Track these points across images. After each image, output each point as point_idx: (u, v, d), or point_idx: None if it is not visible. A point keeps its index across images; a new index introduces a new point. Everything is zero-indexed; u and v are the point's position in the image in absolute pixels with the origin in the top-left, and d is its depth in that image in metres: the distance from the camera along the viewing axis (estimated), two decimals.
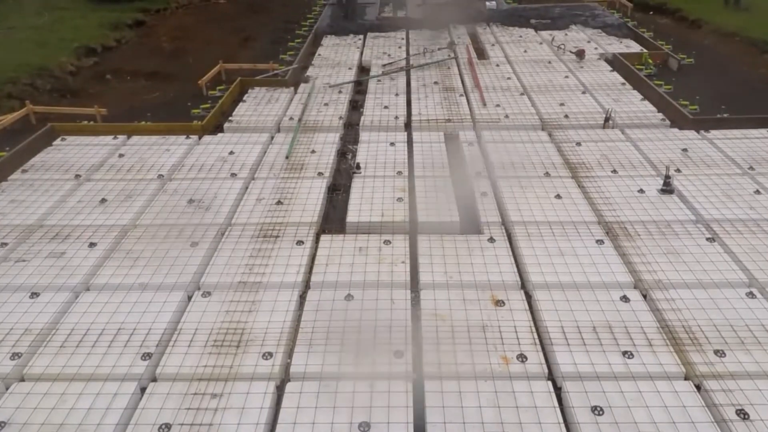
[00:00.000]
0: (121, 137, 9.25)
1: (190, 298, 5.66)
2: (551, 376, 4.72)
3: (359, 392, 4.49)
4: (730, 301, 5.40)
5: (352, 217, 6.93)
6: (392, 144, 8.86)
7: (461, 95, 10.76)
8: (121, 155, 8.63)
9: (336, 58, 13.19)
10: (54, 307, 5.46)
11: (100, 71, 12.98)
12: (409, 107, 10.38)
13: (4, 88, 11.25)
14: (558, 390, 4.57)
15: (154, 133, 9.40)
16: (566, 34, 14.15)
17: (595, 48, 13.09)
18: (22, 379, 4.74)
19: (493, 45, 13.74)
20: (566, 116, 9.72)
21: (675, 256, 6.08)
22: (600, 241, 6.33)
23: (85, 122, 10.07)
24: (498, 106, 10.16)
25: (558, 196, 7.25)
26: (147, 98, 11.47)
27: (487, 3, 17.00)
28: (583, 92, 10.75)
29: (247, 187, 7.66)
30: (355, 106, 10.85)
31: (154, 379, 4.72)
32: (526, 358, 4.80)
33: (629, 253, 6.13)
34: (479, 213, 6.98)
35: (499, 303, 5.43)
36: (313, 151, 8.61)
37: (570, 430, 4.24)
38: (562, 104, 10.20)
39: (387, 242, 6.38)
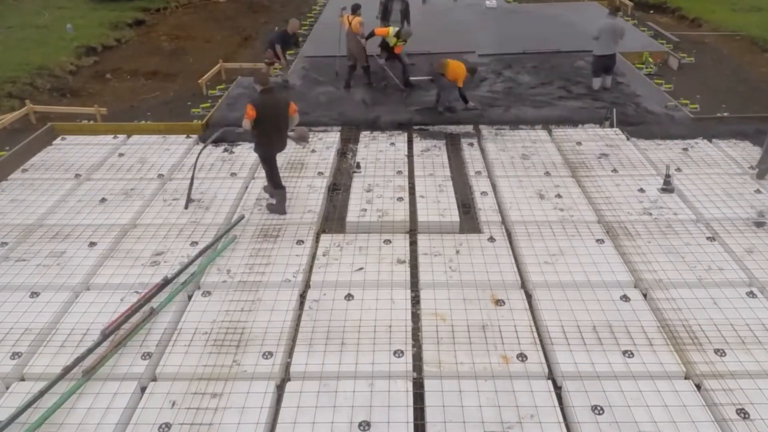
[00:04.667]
0: (121, 137, 9.25)
1: (190, 297, 5.66)
2: (551, 376, 4.72)
3: (359, 391, 4.49)
4: (730, 301, 5.40)
5: (352, 216, 6.92)
6: (392, 144, 8.87)
7: None
8: (121, 155, 8.63)
9: None
10: (54, 306, 5.46)
11: (100, 70, 12.98)
12: None
13: (4, 87, 11.25)
14: (558, 389, 4.57)
15: (154, 132, 9.40)
16: None
17: None
18: (23, 379, 4.74)
19: None
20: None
21: (675, 255, 6.08)
22: (600, 241, 6.33)
23: (85, 122, 10.07)
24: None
25: (558, 196, 7.25)
26: (147, 97, 11.46)
27: (487, 2, 16.97)
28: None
29: (246, 187, 7.66)
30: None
31: (154, 379, 4.72)
32: (526, 358, 4.79)
33: (629, 253, 6.13)
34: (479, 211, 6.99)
35: (499, 302, 5.43)
36: (313, 151, 8.60)
37: (570, 430, 4.24)
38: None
39: (387, 242, 6.38)
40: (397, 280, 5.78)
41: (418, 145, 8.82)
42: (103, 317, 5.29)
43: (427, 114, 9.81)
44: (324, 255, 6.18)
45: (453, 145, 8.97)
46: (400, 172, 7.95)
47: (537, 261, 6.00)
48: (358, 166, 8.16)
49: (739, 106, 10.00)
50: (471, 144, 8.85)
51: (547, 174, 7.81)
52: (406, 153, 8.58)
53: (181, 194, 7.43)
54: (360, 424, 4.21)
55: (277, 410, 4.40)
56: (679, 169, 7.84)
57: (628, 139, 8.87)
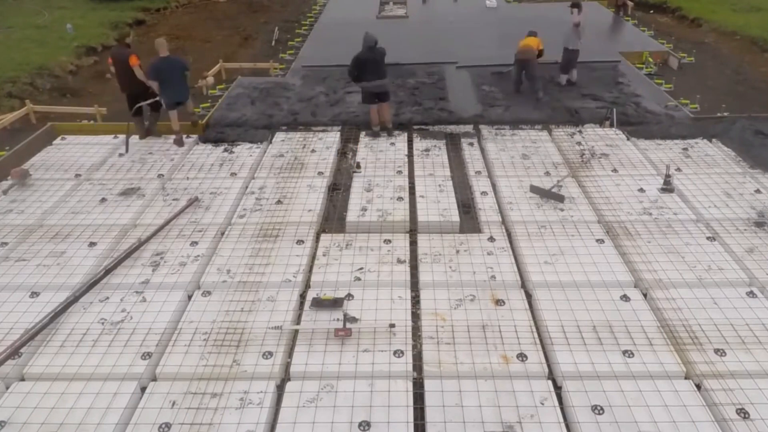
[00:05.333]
0: (121, 136, 9.24)
1: (190, 297, 5.66)
2: (551, 376, 4.72)
3: (359, 391, 4.49)
4: (730, 300, 5.40)
5: (352, 216, 6.92)
6: (392, 144, 8.87)
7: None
8: (121, 155, 8.63)
9: None
10: (54, 306, 5.45)
11: (100, 70, 12.97)
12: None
13: (4, 87, 11.25)
14: (558, 389, 4.57)
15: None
16: None
17: None
18: (22, 379, 4.75)
19: None
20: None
21: (675, 255, 6.08)
22: (600, 241, 6.32)
23: (85, 122, 10.06)
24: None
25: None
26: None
27: (487, 2, 17.00)
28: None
29: (247, 186, 7.66)
30: None
31: (154, 379, 4.72)
32: (526, 358, 4.79)
33: (629, 252, 6.13)
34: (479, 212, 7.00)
35: (499, 302, 5.43)
36: (313, 151, 8.60)
37: (570, 430, 4.24)
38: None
39: (387, 242, 6.38)
40: (397, 280, 5.78)
41: (418, 145, 8.82)
42: (103, 317, 5.30)
43: (427, 114, 9.81)
44: (324, 255, 6.18)
45: (453, 145, 8.97)
46: (400, 172, 7.95)
47: (537, 261, 6.00)
48: (358, 165, 8.16)
49: (739, 106, 10.00)
50: (471, 144, 8.85)
51: (547, 174, 7.81)
52: (406, 153, 8.58)
53: (181, 194, 7.43)
54: (360, 424, 4.21)
55: (277, 410, 4.40)
56: (679, 169, 7.84)
57: (628, 139, 8.87)
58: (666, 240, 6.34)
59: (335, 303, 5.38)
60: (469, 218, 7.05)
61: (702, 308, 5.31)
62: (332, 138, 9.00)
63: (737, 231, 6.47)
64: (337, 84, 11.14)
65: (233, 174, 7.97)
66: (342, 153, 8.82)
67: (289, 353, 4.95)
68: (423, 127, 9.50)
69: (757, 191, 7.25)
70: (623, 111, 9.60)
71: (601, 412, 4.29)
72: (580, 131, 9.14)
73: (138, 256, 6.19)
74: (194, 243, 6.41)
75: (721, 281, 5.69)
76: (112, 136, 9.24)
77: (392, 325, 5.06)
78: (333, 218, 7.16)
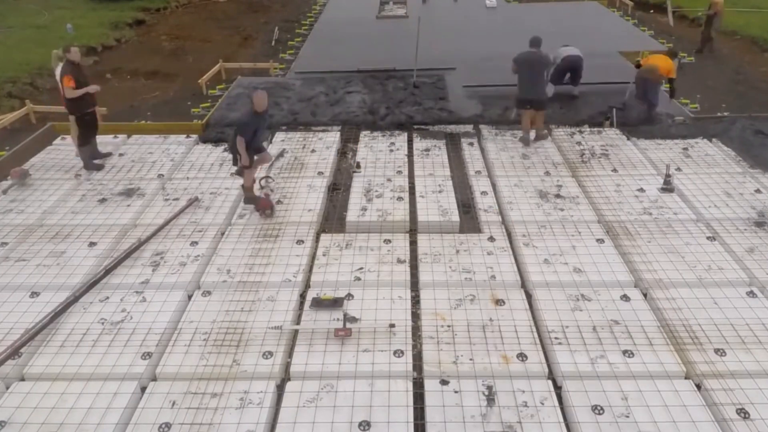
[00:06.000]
0: (121, 136, 9.25)
1: (190, 297, 5.66)
2: (551, 376, 4.72)
3: (359, 391, 4.49)
4: (730, 300, 5.40)
5: (352, 216, 6.92)
6: (392, 144, 8.87)
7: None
8: (121, 154, 8.63)
9: None
10: (54, 306, 5.45)
11: (100, 70, 12.97)
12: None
13: (4, 87, 11.25)
14: (558, 389, 4.57)
15: (154, 132, 9.40)
16: None
17: None
18: (22, 379, 4.74)
19: None
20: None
21: (675, 255, 6.08)
22: (600, 240, 6.32)
23: None
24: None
25: (558, 196, 7.25)
26: (147, 97, 11.46)
27: (487, 2, 16.99)
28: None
29: None
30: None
31: (154, 379, 4.72)
32: (527, 357, 4.79)
33: (629, 252, 6.13)
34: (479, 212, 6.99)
35: (499, 302, 5.43)
36: (313, 151, 8.60)
37: (570, 430, 4.23)
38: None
39: (387, 241, 6.38)
40: (397, 280, 5.78)
41: (418, 145, 8.82)
42: (103, 317, 5.30)
43: (427, 114, 9.80)
44: (324, 255, 6.18)
45: (453, 145, 8.96)
46: (400, 172, 7.95)
47: (537, 261, 6.00)
48: (358, 165, 8.16)
49: (739, 105, 9.99)
50: (471, 144, 8.85)
51: (547, 174, 7.81)
52: (406, 153, 8.58)
53: (181, 194, 7.43)
54: (360, 424, 4.21)
55: (277, 410, 4.39)
56: (679, 169, 7.84)
57: (628, 139, 8.87)
58: (666, 240, 6.34)
59: (335, 303, 5.38)
60: (469, 218, 7.05)
61: (702, 308, 5.31)
62: (332, 138, 9.00)
63: (737, 231, 6.47)
64: (337, 84, 11.14)
65: (233, 174, 7.97)
66: (342, 153, 8.82)
67: (289, 353, 4.95)
68: (423, 127, 9.50)
69: (757, 191, 7.24)
70: (623, 111, 9.59)
71: (601, 412, 4.29)
72: (580, 131, 9.13)
73: (138, 256, 6.19)
74: (194, 243, 6.41)
75: (721, 281, 5.69)
76: (112, 136, 9.24)
77: (392, 325, 5.07)
78: (333, 218, 7.15)
